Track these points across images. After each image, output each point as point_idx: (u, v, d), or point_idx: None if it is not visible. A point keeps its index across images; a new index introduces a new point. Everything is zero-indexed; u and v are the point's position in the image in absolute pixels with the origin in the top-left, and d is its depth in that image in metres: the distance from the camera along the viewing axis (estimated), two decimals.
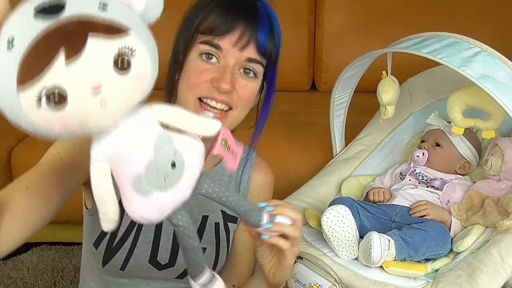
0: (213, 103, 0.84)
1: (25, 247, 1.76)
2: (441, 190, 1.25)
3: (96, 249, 0.93)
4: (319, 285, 1.05)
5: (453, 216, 1.17)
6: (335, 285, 1.04)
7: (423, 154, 1.32)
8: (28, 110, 0.48)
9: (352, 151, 1.43)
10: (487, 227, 1.11)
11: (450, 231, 1.16)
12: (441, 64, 1.02)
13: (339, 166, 1.40)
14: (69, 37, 0.48)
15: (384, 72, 1.25)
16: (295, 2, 2.10)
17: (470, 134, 1.34)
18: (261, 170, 1.05)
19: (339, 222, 1.07)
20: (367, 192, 1.32)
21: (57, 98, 0.48)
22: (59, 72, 0.47)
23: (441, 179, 1.28)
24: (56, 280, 1.67)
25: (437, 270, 1.07)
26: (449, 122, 1.27)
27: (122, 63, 0.49)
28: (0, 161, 1.65)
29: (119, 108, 0.52)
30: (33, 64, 0.47)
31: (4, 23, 0.50)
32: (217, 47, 0.83)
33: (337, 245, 1.07)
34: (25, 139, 1.73)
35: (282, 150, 1.60)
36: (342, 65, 1.30)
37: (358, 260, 1.08)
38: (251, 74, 0.86)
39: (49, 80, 0.47)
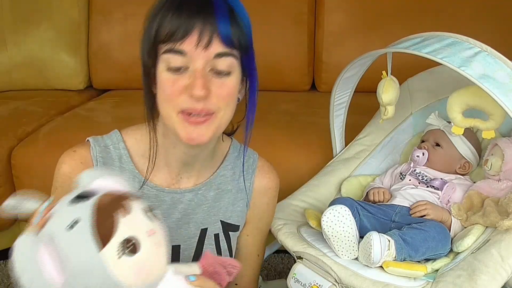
0: (194, 115, 0.80)
1: None
2: (441, 190, 1.25)
3: None
4: (319, 285, 1.05)
5: (453, 216, 1.17)
6: (335, 285, 1.04)
7: (423, 154, 1.32)
8: (111, 264, 0.60)
9: (352, 151, 1.43)
10: (487, 227, 1.11)
11: (450, 231, 1.16)
12: (441, 64, 1.02)
13: (339, 166, 1.40)
14: (117, 202, 0.61)
15: (384, 72, 1.25)
16: (295, 2, 2.10)
17: (470, 134, 1.34)
18: (264, 175, 1.02)
19: (339, 222, 1.07)
20: (367, 192, 1.32)
21: (131, 246, 0.60)
22: (126, 225, 0.61)
23: (441, 179, 1.28)
24: None
25: (437, 270, 1.07)
26: (449, 122, 1.27)
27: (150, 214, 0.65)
28: (0, 161, 1.65)
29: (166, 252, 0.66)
30: (102, 228, 0.59)
31: (55, 213, 0.63)
32: (180, 52, 0.78)
33: (337, 245, 1.07)
34: (25, 139, 1.73)
35: (282, 150, 1.60)
36: (342, 65, 1.30)
37: (358, 260, 1.08)
38: (225, 72, 0.81)
39: (122, 233, 0.60)
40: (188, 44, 0.77)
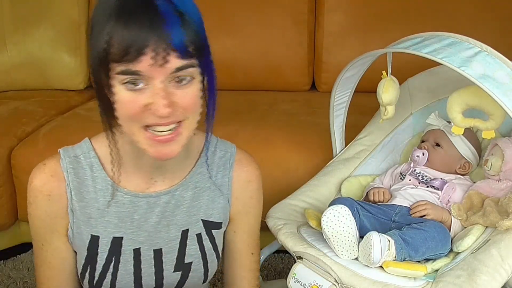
0: (162, 128, 0.77)
1: (25, 247, 1.76)
2: (441, 190, 1.25)
3: (82, 282, 0.94)
4: (319, 285, 1.05)
5: (453, 216, 1.17)
6: (335, 285, 1.04)
7: (423, 154, 1.32)
8: None
9: (352, 151, 1.43)
10: (487, 227, 1.11)
11: (450, 231, 1.16)
12: (441, 64, 1.02)
13: (339, 166, 1.40)
14: None
15: (384, 72, 1.25)
16: (295, 2, 2.10)
17: (470, 134, 1.34)
18: (242, 168, 0.97)
19: (339, 222, 1.07)
20: (367, 192, 1.32)
21: None
22: None
23: (441, 179, 1.28)
24: None
25: (437, 270, 1.07)
26: (449, 122, 1.27)
27: None
28: (0, 161, 1.65)
29: None
30: None
31: None
32: (136, 73, 0.72)
33: (337, 245, 1.07)
34: (25, 139, 1.73)
35: (282, 150, 1.60)
36: (342, 65, 1.30)
37: (358, 260, 1.08)
38: (186, 81, 0.76)
39: None
40: (144, 64, 0.71)
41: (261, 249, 1.33)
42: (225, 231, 1.00)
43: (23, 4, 2.14)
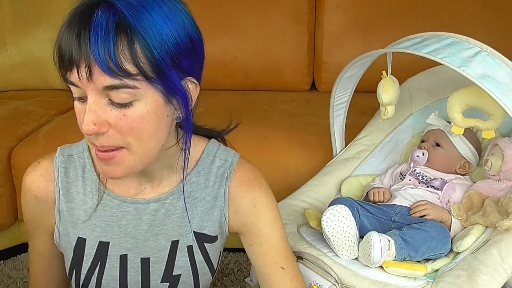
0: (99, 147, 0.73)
1: (25, 247, 1.76)
2: (441, 190, 1.25)
3: (70, 282, 0.93)
4: (319, 285, 1.05)
5: (453, 216, 1.17)
6: (335, 285, 1.04)
7: (423, 154, 1.32)
8: None
9: (352, 151, 1.43)
10: (487, 227, 1.12)
11: (450, 231, 1.16)
12: (441, 64, 1.02)
13: (339, 166, 1.40)
14: None
15: (384, 72, 1.25)
16: (295, 2, 2.10)
17: (470, 134, 1.34)
18: (239, 178, 0.90)
19: (339, 222, 1.07)
20: (367, 192, 1.32)
21: None
22: None
23: (441, 179, 1.28)
24: None
25: (437, 270, 1.07)
26: (449, 122, 1.27)
27: None
28: (0, 161, 1.65)
29: None
30: None
31: None
32: (72, 84, 0.69)
33: (337, 245, 1.07)
34: (25, 139, 1.73)
35: (282, 150, 1.60)
36: (342, 65, 1.30)
37: (358, 260, 1.08)
38: (126, 100, 0.69)
39: None
40: (74, 76, 0.68)
41: None
42: (244, 246, 0.94)
43: (23, 4, 2.14)
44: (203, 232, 0.90)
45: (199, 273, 0.91)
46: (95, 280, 0.88)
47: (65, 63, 0.68)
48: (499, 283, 0.97)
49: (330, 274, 1.05)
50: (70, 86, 0.71)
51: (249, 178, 0.90)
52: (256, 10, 2.11)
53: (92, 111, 0.69)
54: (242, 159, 0.92)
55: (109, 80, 0.67)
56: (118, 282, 0.89)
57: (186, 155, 0.83)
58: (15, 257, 1.75)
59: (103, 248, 0.88)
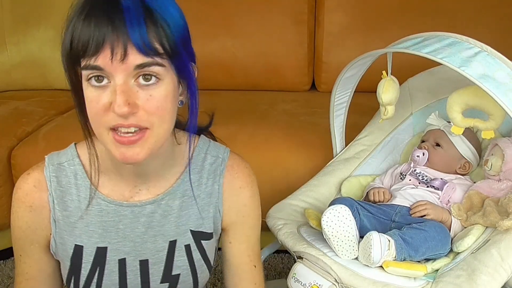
0: (124, 129, 0.73)
1: None
2: (441, 190, 1.25)
3: None
4: (319, 285, 1.05)
5: (453, 216, 1.17)
6: (335, 285, 1.04)
7: (423, 154, 1.32)
8: None
9: (352, 151, 1.43)
10: (487, 227, 1.12)
11: (450, 231, 1.16)
12: (441, 64, 1.02)
13: (339, 166, 1.40)
14: None
15: (384, 72, 1.25)
16: (295, 2, 2.10)
17: (470, 134, 1.34)
18: (233, 174, 0.91)
19: (339, 222, 1.07)
20: (367, 192, 1.32)
21: None
22: None
23: (441, 179, 1.28)
24: None
25: (437, 270, 1.07)
26: (449, 122, 1.27)
27: None
28: (0, 161, 1.65)
29: None
30: None
31: None
32: (97, 68, 0.70)
33: (337, 245, 1.07)
34: (25, 139, 1.73)
35: (282, 150, 1.60)
36: (342, 65, 1.30)
37: (358, 260, 1.08)
38: (152, 80, 0.72)
39: None
40: (103, 59, 0.69)
41: (261, 249, 1.34)
42: (221, 242, 0.96)
43: (23, 4, 2.14)
44: (199, 230, 0.90)
45: (197, 271, 0.91)
46: (94, 287, 0.88)
47: (91, 48, 0.69)
48: (499, 283, 0.97)
49: (330, 274, 1.05)
50: (89, 71, 0.71)
51: (243, 174, 0.92)
52: (256, 10, 2.11)
53: (124, 92, 0.70)
54: (233, 154, 0.93)
55: (141, 59, 0.70)
56: (118, 286, 0.89)
57: (191, 143, 0.86)
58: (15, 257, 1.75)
59: (101, 253, 0.88)
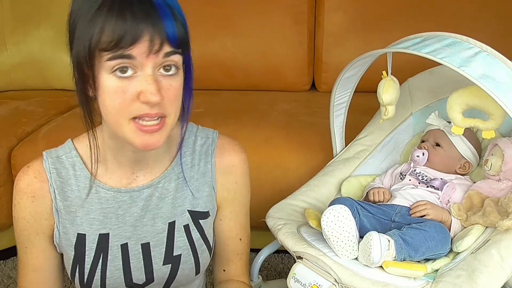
0: (148, 119, 0.77)
1: None
2: (441, 190, 1.25)
3: (74, 283, 0.94)
4: (319, 285, 1.05)
5: (453, 216, 1.17)
6: (335, 285, 1.04)
7: (423, 154, 1.32)
8: None
9: (352, 151, 1.43)
10: (487, 227, 1.11)
11: (450, 231, 1.16)
12: (441, 64, 1.02)
13: (339, 166, 1.40)
14: None
15: (384, 72, 1.25)
16: (295, 2, 2.10)
17: (470, 134, 1.34)
18: (223, 153, 0.97)
19: (339, 222, 1.07)
20: (367, 192, 1.32)
21: None
22: None
23: (441, 179, 1.28)
24: None
25: (437, 270, 1.07)
26: (449, 122, 1.27)
27: None
28: (0, 161, 1.65)
29: None
30: None
31: None
32: (129, 57, 0.74)
33: (337, 245, 1.07)
34: (25, 139, 1.73)
35: (282, 150, 1.60)
36: (342, 65, 1.30)
37: (358, 260, 1.08)
38: (172, 70, 0.78)
39: None
40: (137, 50, 0.73)
41: (261, 249, 1.34)
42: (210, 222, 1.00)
43: (23, 4, 2.14)
44: (196, 209, 0.95)
45: (198, 251, 0.95)
46: (99, 274, 0.90)
47: (127, 40, 0.72)
48: (499, 283, 0.97)
49: (330, 274, 1.05)
50: (118, 61, 0.74)
51: (234, 152, 0.98)
52: (256, 10, 2.11)
53: (156, 81, 0.75)
54: (221, 135, 0.99)
55: (169, 48, 0.75)
56: (122, 271, 0.91)
57: (184, 128, 0.90)
58: (15, 257, 1.75)
59: (103, 240, 0.91)
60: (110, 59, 0.73)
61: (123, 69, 0.74)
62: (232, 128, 1.62)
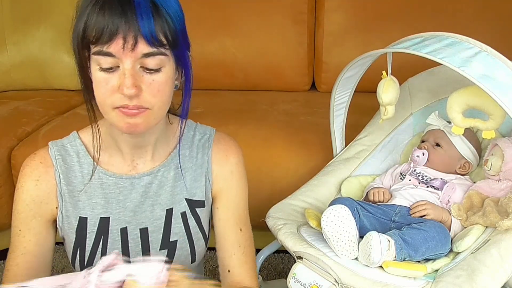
0: (126, 110, 0.82)
1: None
2: (441, 190, 1.25)
3: (74, 267, 0.97)
4: (319, 285, 1.05)
5: (453, 216, 1.17)
6: (335, 285, 1.04)
7: (423, 154, 1.32)
8: None
9: (352, 151, 1.43)
10: (487, 227, 1.12)
11: (450, 231, 1.16)
12: (441, 64, 1.02)
13: (339, 166, 1.40)
14: None
15: (384, 72, 1.26)
16: (295, 2, 2.10)
17: (470, 134, 1.34)
18: (220, 146, 1.02)
19: (339, 222, 1.07)
20: (367, 192, 1.32)
21: None
22: None
23: (441, 179, 1.28)
24: None
25: (437, 270, 1.07)
26: (449, 122, 1.27)
27: None
28: (0, 161, 1.65)
29: None
30: None
31: None
32: (108, 54, 0.79)
33: (337, 245, 1.07)
34: (25, 139, 1.73)
35: (282, 150, 1.60)
36: (342, 65, 1.30)
37: (358, 260, 1.08)
38: (155, 67, 0.81)
39: None
40: (115, 47, 0.78)
41: (261, 249, 1.34)
42: (212, 210, 1.03)
43: (23, 4, 2.14)
44: (193, 198, 0.99)
45: (193, 238, 0.99)
46: (99, 256, 0.94)
47: (105, 36, 0.77)
48: (499, 283, 0.97)
49: (330, 274, 1.05)
50: (101, 57, 0.79)
51: (229, 145, 1.03)
52: (256, 10, 2.11)
53: (132, 76, 0.79)
54: (219, 132, 1.04)
55: (148, 49, 0.79)
56: (121, 255, 0.92)
57: (183, 121, 0.95)
58: None
59: (104, 223, 0.95)
60: (95, 53, 0.79)
61: (107, 64, 0.80)
62: (232, 128, 1.62)
